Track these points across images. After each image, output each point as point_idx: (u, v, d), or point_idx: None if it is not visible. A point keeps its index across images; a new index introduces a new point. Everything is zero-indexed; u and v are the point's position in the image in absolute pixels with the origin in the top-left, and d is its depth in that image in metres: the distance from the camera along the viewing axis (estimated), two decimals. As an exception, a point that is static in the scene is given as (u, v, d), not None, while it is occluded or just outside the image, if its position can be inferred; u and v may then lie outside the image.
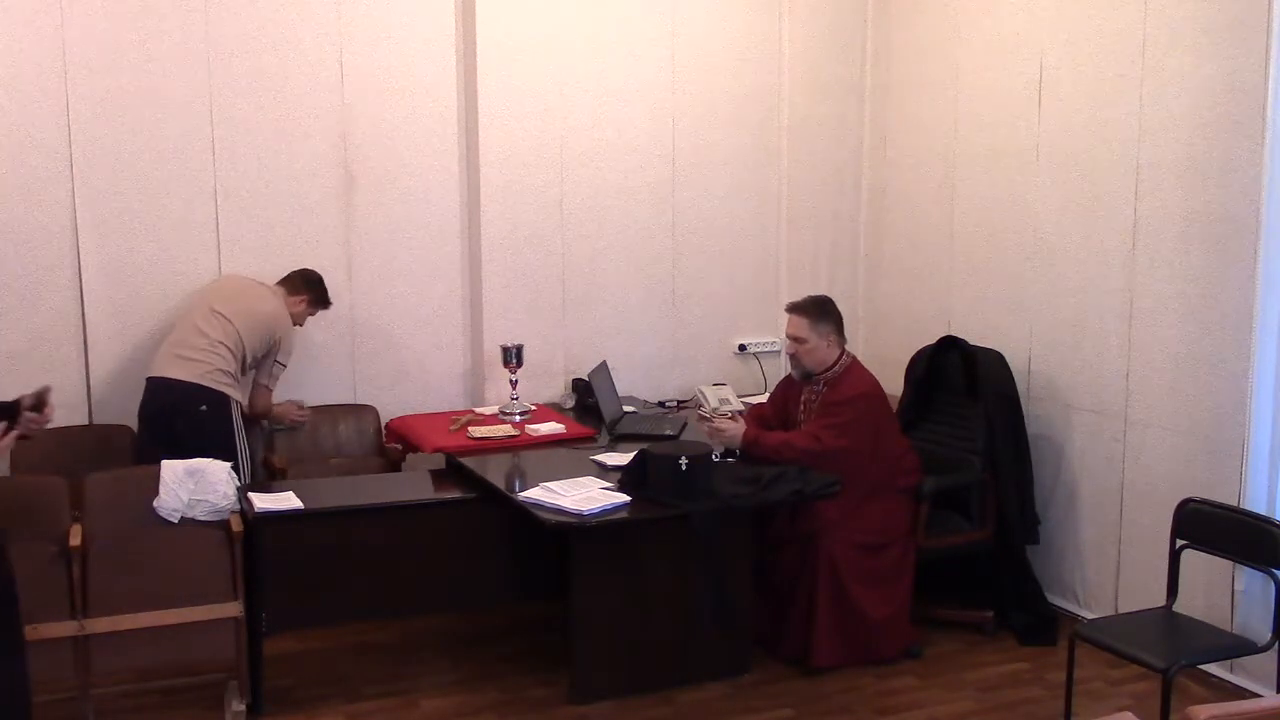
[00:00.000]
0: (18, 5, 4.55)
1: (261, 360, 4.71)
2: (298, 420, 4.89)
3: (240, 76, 4.89)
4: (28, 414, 2.86)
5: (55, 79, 4.62)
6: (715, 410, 5.34)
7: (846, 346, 4.55)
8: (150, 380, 4.52)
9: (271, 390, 4.75)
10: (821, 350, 4.44)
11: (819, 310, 4.47)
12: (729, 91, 5.66)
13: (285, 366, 4.76)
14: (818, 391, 4.49)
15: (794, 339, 4.47)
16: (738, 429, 4.42)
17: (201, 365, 4.47)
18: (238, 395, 4.57)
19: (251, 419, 4.71)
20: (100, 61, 4.67)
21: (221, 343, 4.52)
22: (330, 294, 4.94)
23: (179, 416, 4.42)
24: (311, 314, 4.91)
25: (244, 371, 4.66)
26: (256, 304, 4.67)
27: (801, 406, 4.56)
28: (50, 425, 3.00)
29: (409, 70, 5.15)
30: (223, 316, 4.56)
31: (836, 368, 4.47)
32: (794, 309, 4.51)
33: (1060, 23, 4.72)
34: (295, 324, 4.82)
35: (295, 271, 4.89)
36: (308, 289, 4.86)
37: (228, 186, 4.92)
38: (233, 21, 4.85)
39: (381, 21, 5.08)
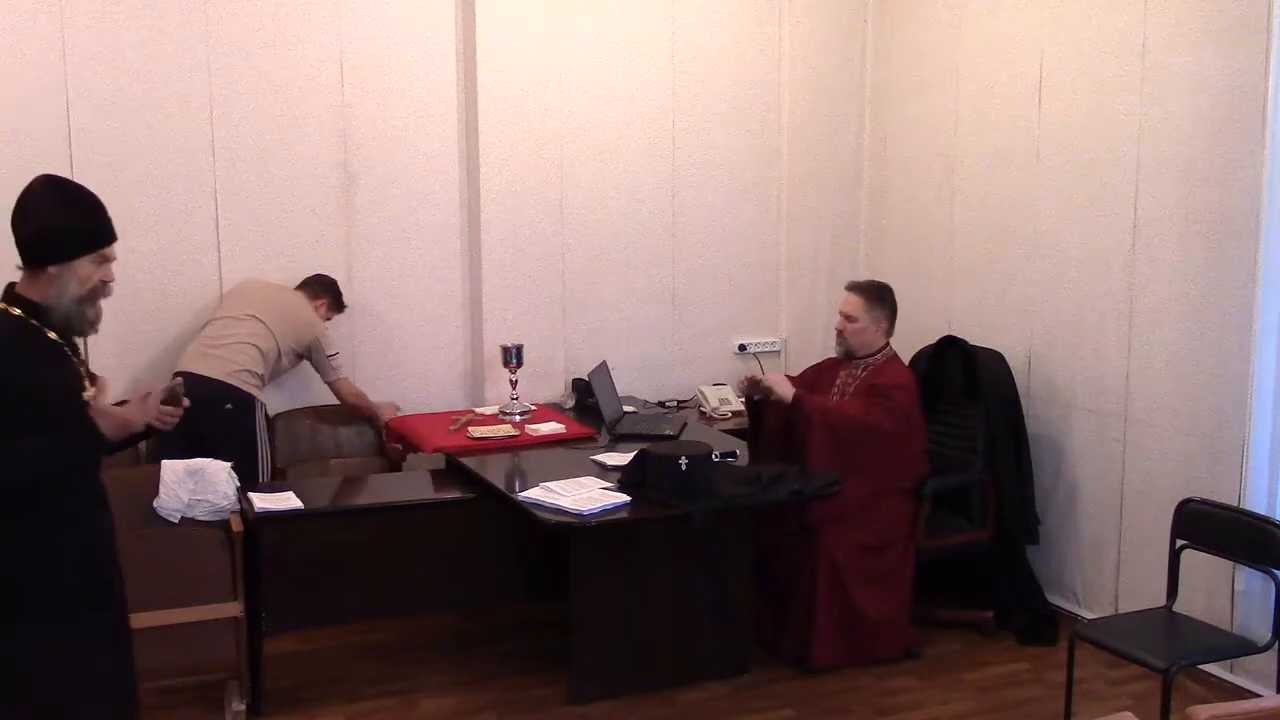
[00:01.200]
0: (18, 5, 4.55)
1: (305, 360, 4.83)
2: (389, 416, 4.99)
3: (240, 76, 4.89)
4: (162, 407, 2.85)
5: (55, 79, 4.62)
6: (716, 409, 5.36)
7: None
8: (177, 374, 4.52)
9: (348, 379, 4.90)
10: (869, 333, 4.51)
11: (876, 294, 4.56)
12: (729, 91, 5.66)
13: (339, 353, 4.88)
14: (855, 376, 4.53)
15: (846, 316, 4.54)
16: (787, 384, 4.46)
17: (230, 364, 4.52)
18: (262, 398, 4.63)
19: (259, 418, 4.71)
20: (100, 61, 4.67)
21: (253, 345, 4.58)
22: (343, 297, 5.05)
23: (203, 412, 4.38)
24: (328, 318, 4.95)
25: (274, 375, 4.73)
26: (290, 310, 4.77)
27: (835, 389, 4.59)
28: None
29: (409, 70, 5.15)
30: (257, 319, 4.63)
31: (879, 356, 4.53)
32: (853, 288, 4.62)
33: (1060, 23, 4.72)
34: None
35: (312, 277, 4.96)
36: (326, 293, 4.95)
37: (228, 186, 4.93)
38: (233, 21, 4.85)
39: (381, 21, 5.08)
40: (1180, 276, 4.25)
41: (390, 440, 5.00)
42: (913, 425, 4.47)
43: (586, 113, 5.39)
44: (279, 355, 4.69)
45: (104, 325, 4.67)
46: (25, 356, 2.60)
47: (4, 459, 2.51)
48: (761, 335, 5.88)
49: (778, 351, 5.88)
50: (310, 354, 4.83)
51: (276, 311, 4.71)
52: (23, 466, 2.55)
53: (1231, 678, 4.10)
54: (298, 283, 4.96)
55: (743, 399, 4.86)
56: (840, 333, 4.58)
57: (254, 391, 4.58)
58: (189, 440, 4.24)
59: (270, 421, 4.83)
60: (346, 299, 5.10)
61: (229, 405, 4.48)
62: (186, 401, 2.94)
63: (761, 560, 4.37)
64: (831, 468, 4.23)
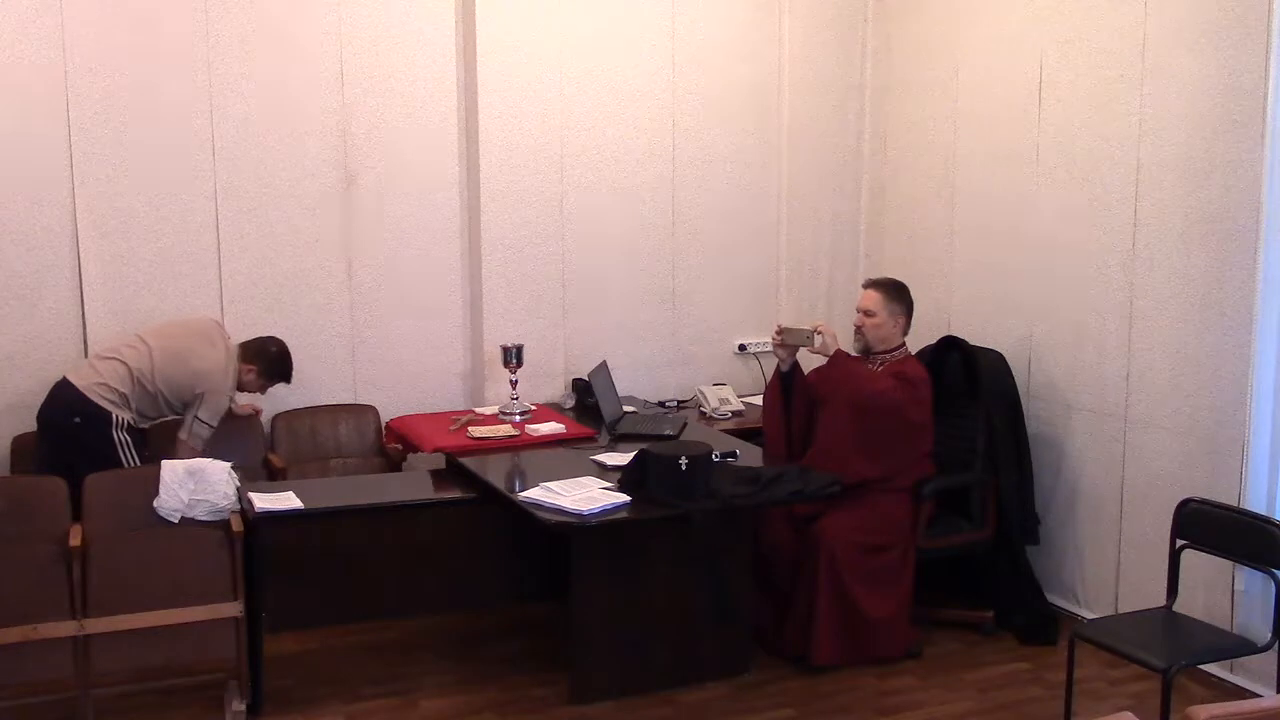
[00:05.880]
0: (18, 5, 4.55)
1: (184, 411, 4.50)
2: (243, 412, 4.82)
3: (240, 76, 4.88)
4: None
5: (55, 79, 4.62)
6: (716, 410, 5.36)
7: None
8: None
9: (191, 447, 4.45)
10: (886, 328, 4.54)
11: (894, 291, 4.59)
12: (729, 91, 5.66)
13: (212, 428, 4.50)
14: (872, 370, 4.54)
15: (864, 311, 4.58)
16: (835, 341, 4.46)
17: (96, 377, 4.37)
18: (122, 413, 4.38)
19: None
20: (100, 61, 4.67)
21: (125, 364, 4.40)
22: (293, 369, 4.76)
23: (57, 419, 4.36)
24: (263, 386, 4.71)
25: (145, 408, 4.46)
26: (190, 352, 4.50)
27: None
28: None
29: (409, 70, 5.15)
30: (145, 343, 4.46)
31: (896, 353, 4.56)
32: (872, 284, 4.66)
33: (1060, 23, 4.72)
34: (247, 390, 4.67)
35: (259, 339, 4.73)
36: (257, 360, 4.66)
37: (228, 186, 4.92)
38: (233, 21, 4.85)
39: (381, 21, 5.08)
40: (1180, 276, 4.25)
41: (390, 440, 5.00)
42: (928, 421, 4.50)
43: (586, 113, 5.38)
44: (144, 388, 4.41)
45: (103, 325, 4.75)
46: None
47: None
48: (761, 335, 5.86)
49: (778, 351, 5.89)
50: (189, 404, 4.47)
51: (171, 349, 4.47)
52: None
53: (1231, 678, 4.10)
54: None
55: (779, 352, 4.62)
56: (858, 328, 4.61)
57: (110, 407, 4.35)
58: (52, 448, 4.28)
59: (145, 434, 4.51)
60: (347, 299, 5.11)
61: (77, 419, 4.32)
62: None
63: (761, 560, 4.37)
64: (848, 440, 4.31)
